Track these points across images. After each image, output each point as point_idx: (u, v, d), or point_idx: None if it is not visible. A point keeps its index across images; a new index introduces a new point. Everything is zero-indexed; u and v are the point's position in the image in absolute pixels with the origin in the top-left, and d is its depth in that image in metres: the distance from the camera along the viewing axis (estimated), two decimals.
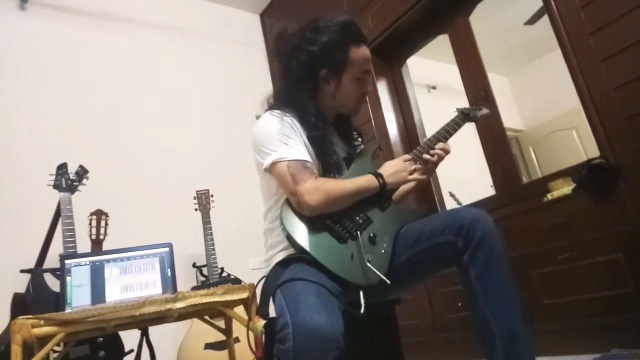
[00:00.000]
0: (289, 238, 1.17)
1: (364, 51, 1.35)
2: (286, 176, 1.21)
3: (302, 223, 1.19)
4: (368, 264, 1.14)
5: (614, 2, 1.78)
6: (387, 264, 1.19)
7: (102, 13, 3.08)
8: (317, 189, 1.19)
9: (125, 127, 2.89)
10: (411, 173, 1.31)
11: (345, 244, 1.17)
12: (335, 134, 1.46)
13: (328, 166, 1.32)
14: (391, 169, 1.30)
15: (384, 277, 1.14)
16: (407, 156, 1.34)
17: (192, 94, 3.27)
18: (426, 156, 1.35)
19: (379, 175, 1.27)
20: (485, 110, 1.59)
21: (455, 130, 1.44)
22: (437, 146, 1.36)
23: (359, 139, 1.52)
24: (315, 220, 1.19)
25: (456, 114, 1.50)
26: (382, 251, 1.21)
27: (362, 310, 1.06)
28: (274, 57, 1.47)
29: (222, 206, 2.66)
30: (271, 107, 1.38)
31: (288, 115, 1.31)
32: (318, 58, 1.32)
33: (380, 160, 1.42)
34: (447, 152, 1.37)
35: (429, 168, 1.37)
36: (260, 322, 1.16)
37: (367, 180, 1.26)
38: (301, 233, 1.17)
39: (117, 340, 1.92)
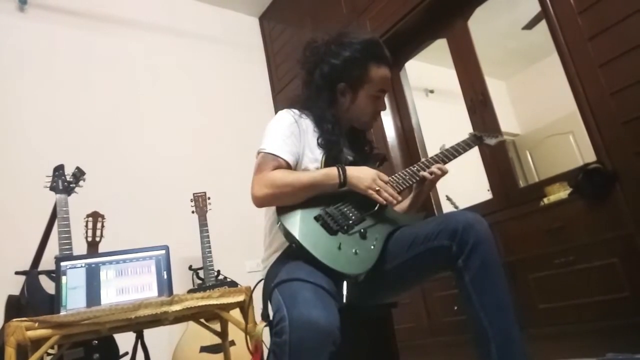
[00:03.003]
0: (282, 227, 1.18)
1: (383, 71, 1.40)
2: (255, 167, 1.27)
3: (295, 213, 1.21)
4: (353, 255, 1.15)
5: (612, 8, 1.78)
6: (374, 259, 1.19)
7: (100, 15, 3.08)
8: (266, 179, 1.21)
9: (122, 129, 2.89)
10: (373, 189, 1.23)
11: (334, 235, 1.19)
12: (348, 144, 1.48)
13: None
14: (360, 171, 1.25)
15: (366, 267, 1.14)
16: (385, 177, 1.29)
17: (190, 96, 3.27)
18: (423, 173, 1.39)
19: (343, 170, 1.23)
20: (500, 138, 1.63)
21: (465, 151, 1.51)
22: (434, 167, 1.40)
23: (371, 151, 1.54)
24: (308, 212, 1.21)
25: (468, 136, 1.54)
26: (372, 247, 1.21)
27: (344, 300, 1.07)
28: (300, 64, 1.51)
29: (219, 209, 2.66)
30: (292, 107, 1.43)
31: (306, 117, 1.36)
32: (338, 71, 1.37)
33: (381, 169, 1.44)
34: (444, 172, 1.41)
35: (428, 184, 1.42)
36: (261, 325, 1.16)
37: (325, 173, 1.24)
38: (293, 222, 1.19)
39: (112, 343, 1.91)
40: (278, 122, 1.35)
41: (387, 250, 1.23)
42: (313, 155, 1.33)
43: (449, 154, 1.46)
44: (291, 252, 1.20)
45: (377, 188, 1.23)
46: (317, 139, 1.34)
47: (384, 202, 1.23)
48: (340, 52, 1.38)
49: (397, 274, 1.21)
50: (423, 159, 1.44)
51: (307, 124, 1.36)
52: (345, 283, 1.10)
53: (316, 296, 1.00)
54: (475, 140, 1.55)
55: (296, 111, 1.38)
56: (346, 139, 1.47)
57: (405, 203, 1.48)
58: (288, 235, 1.17)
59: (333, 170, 1.24)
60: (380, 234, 1.25)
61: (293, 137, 1.31)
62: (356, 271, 1.14)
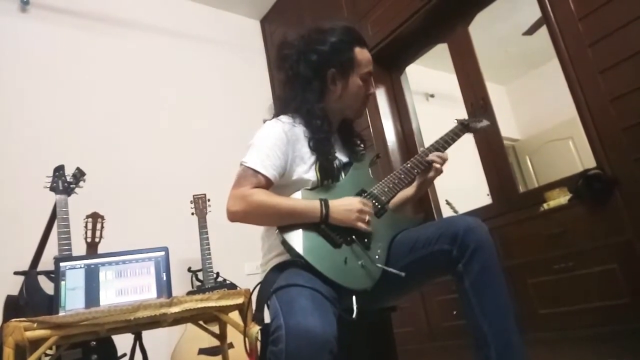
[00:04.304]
0: (284, 243, 1.17)
1: (367, 53, 1.41)
2: (234, 179, 1.25)
3: (297, 227, 1.19)
4: (361, 269, 1.14)
5: (612, 14, 1.79)
6: (380, 271, 1.19)
7: (102, 16, 3.08)
8: (244, 197, 1.20)
9: (123, 130, 2.89)
10: (362, 220, 1.21)
11: (339, 249, 1.18)
12: (339, 140, 1.47)
13: (327, 171, 1.32)
14: (343, 205, 1.21)
15: (373, 279, 1.14)
16: (370, 203, 1.26)
17: (191, 98, 3.28)
18: (429, 158, 1.37)
19: (326, 205, 1.19)
20: (485, 122, 1.61)
21: (454, 141, 1.48)
22: (431, 154, 1.38)
23: (362, 145, 1.52)
24: (310, 225, 1.19)
25: (455, 124, 1.52)
26: (376, 257, 1.21)
27: (354, 315, 1.06)
28: (277, 65, 1.49)
29: (218, 211, 2.64)
30: (279, 113, 1.40)
31: (298, 125, 1.33)
32: (327, 57, 1.35)
33: (378, 168, 1.43)
34: (444, 159, 1.39)
35: (428, 178, 1.40)
36: (255, 328, 1.16)
37: (307, 205, 1.20)
38: (296, 237, 1.17)
39: (110, 344, 1.91)
40: (265, 133, 1.31)
41: (388, 255, 1.23)
42: (306, 165, 1.30)
43: (439, 147, 1.44)
44: (292, 259, 1.19)
45: (365, 218, 1.21)
46: (309, 143, 1.31)
47: (371, 230, 1.22)
48: (325, 38, 1.36)
49: (398, 278, 1.21)
50: (416, 155, 1.41)
51: (298, 133, 1.32)
52: (354, 298, 1.10)
53: (314, 304, 0.99)
54: (463, 128, 1.52)
55: (286, 120, 1.33)
56: (338, 136, 1.46)
57: (409, 192, 1.46)
58: (291, 250, 1.16)
59: (315, 205, 1.19)
60: (383, 241, 1.25)
61: (278, 149, 1.26)
62: (364, 286, 1.14)
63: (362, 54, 1.38)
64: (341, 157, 1.41)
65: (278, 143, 1.27)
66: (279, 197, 1.21)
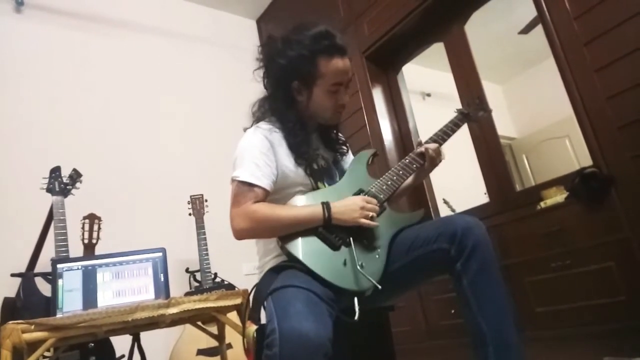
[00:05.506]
0: (283, 248, 1.18)
1: (335, 64, 1.30)
2: (231, 196, 1.24)
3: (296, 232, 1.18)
4: (360, 270, 1.14)
5: (607, 13, 1.80)
6: (382, 270, 1.19)
7: (98, 16, 3.07)
8: (246, 213, 1.20)
9: (119, 131, 2.88)
10: (366, 217, 1.20)
11: (338, 251, 1.17)
12: (320, 141, 1.46)
13: (315, 173, 1.33)
14: (345, 205, 1.21)
15: (374, 282, 1.13)
16: (373, 199, 1.26)
17: (187, 98, 3.27)
18: (426, 149, 1.38)
19: (328, 208, 1.20)
20: (487, 111, 1.61)
21: (454, 132, 1.48)
22: (426, 146, 1.39)
23: (344, 147, 1.51)
24: (308, 230, 1.19)
25: (455, 114, 1.52)
26: (377, 257, 1.21)
27: (356, 317, 1.06)
28: (259, 63, 1.45)
29: (216, 211, 2.65)
30: (257, 117, 1.40)
31: (277, 130, 1.32)
32: (288, 71, 1.32)
33: (375, 167, 1.42)
34: (435, 150, 1.39)
35: (424, 170, 1.41)
36: (252, 328, 1.16)
37: (310, 211, 1.20)
38: (294, 241, 1.17)
39: (108, 345, 1.90)
40: (248, 144, 1.30)
41: (389, 254, 1.23)
42: (292, 168, 1.30)
43: (439, 139, 1.44)
44: (288, 260, 1.19)
45: (369, 215, 1.20)
46: (289, 146, 1.31)
47: (378, 225, 1.22)
48: (286, 51, 1.31)
49: (397, 277, 1.21)
50: (415, 150, 1.42)
51: (279, 138, 1.32)
52: (355, 299, 1.09)
53: (309, 307, 0.99)
54: (463, 117, 1.53)
55: (265, 126, 1.34)
56: (319, 136, 1.45)
57: (405, 182, 1.45)
58: (290, 255, 1.16)
59: (318, 210, 1.19)
60: (383, 241, 1.24)
61: (265, 157, 1.26)
62: (365, 287, 1.14)
63: (327, 66, 1.29)
64: (326, 156, 1.41)
65: (264, 150, 1.27)
66: (281, 208, 1.22)
